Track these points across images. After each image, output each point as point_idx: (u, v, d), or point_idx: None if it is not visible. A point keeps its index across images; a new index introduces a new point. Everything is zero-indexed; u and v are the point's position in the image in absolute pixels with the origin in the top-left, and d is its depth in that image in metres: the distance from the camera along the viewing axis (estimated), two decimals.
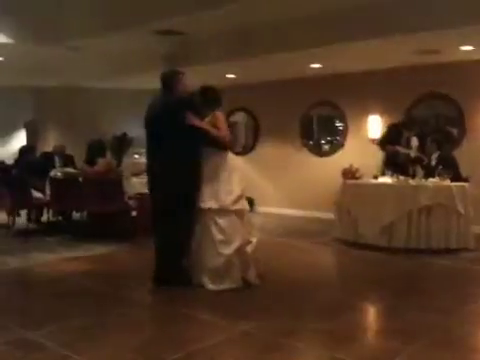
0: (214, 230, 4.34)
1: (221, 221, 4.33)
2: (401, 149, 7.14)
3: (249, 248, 4.49)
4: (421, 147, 7.20)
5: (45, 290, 4.54)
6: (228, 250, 4.30)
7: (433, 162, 6.94)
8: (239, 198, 4.40)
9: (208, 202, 4.35)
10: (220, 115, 4.54)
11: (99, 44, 7.77)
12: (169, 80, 4.72)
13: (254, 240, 4.54)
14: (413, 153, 7.12)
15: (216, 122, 4.49)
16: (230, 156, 4.56)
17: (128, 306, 4.05)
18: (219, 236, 4.32)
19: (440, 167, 6.60)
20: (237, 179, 4.46)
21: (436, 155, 7.00)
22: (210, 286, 4.36)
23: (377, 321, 4.10)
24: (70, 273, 5.14)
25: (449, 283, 4.97)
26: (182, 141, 4.45)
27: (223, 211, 4.33)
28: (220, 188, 4.37)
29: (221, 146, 4.47)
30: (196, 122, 4.45)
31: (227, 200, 4.33)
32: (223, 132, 4.45)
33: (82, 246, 6.35)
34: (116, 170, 7.43)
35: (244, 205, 4.49)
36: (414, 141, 7.20)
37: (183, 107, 4.57)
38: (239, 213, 4.41)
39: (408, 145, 7.17)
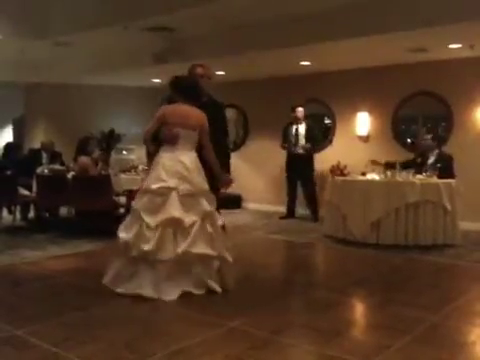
0: None
1: None
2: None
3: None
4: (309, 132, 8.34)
5: (33, 287, 4.51)
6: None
7: (431, 160, 6.91)
8: (138, 197, 4.23)
9: None
10: (159, 110, 4.29)
11: (88, 40, 7.72)
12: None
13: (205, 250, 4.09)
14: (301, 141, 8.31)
15: None
16: (164, 153, 4.21)
17: (116, 303, 4.03)
18: None
19: (438, 165, 6.62)
20: (152, 176, 4.18)
21: (435, 153, 6.98)
22: None
23: (365, 317, 4.12)
24: (58, 270, 5.11)
25: (436, 279, 5.02)
26: None
27: None
28: None
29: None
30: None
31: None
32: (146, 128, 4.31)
33: (70, 243, 6.32)
34: (93, 168, 7.22)
35: (141, 204, 4.14)
36: (301, 129, 8.38)
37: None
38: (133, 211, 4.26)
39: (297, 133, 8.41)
